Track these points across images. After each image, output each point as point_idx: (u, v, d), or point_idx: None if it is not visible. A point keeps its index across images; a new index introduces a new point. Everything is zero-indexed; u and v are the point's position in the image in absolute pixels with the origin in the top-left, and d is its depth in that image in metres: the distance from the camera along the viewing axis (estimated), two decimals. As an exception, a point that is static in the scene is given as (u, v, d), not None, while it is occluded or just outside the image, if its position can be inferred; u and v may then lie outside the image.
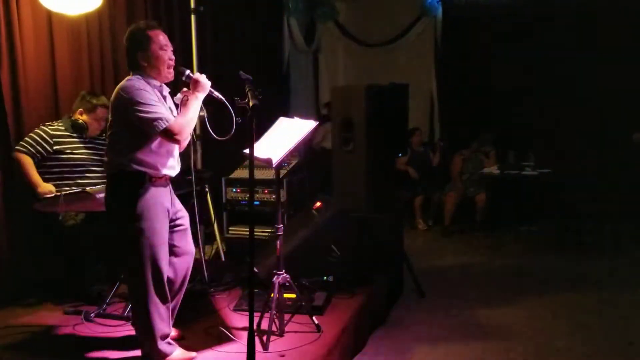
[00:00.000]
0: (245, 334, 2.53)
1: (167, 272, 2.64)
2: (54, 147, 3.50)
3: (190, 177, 3.80)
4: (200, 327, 3.10)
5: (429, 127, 7.51)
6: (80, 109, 3.58)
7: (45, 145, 3.49)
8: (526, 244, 5.90)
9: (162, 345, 2.61)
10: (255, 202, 4.57)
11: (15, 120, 3.56)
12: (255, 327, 2.58)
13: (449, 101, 7.34)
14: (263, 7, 6.55)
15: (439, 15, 7.32)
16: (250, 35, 6.23)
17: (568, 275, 4.85)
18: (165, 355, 2.62)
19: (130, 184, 2.53)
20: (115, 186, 2.58)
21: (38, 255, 3.59)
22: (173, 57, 2.63)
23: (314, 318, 3.04)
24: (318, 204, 3.90)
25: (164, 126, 2.45)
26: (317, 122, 3.08)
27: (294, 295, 3.13)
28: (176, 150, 2.70)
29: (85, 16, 3.85)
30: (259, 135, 3.11)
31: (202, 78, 2.62)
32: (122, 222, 2.56)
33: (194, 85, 2.60)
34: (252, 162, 2.52)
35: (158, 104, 2.50)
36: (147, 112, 2.44)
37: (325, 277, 3.60)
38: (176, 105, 2.68)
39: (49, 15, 3.73)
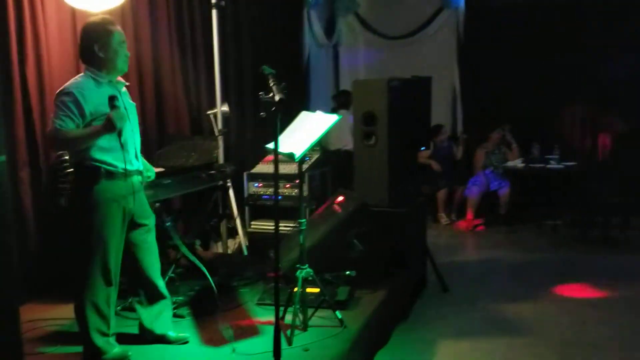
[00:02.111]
0: (269, 328, 2.53)
1: (116, 269, 2.65)
2: None
3: (212, 172, 3.83)
4: (224, 321, 3.11)
5: (452, 121, 7.42)
6: None
7: None
8: (551, 238, 5.81)
9: (99, 341, 2.63)
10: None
11: (41, 116, 3.61)
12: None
13: (472, 94, 7.25)
14: (283, 1, 6.53)
15: (461, 7, 7.22)
16: (270, 30, 6.22)
17: (594, 270, 4.77)
18: (100, 352, 2.63)
19: (86, 178, 2.59)
20: (74, 179, 2.69)
21: (65, 251, 3.64)
22: (128, 54, 2.71)
23: (337, 312, 3.03)
24: (340, 198, 3.89)
25: (49, 129, 2.53)
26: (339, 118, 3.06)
27: (317, 290, 3.12)
28: (131, 145, 2.68)
29: (109, 12, 3.87)
30: (280, 129, 3.10)
31: (116, 121, 2.44)
32: (76, 215, 2.64)
33: (107, 119, 2.46)
34: (277, 157, 2.51)
35: (70, 114, 2.47)
36: (55, 112, 2.51)
37: (347, 272, 3.59)
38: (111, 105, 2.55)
39: (73, 12, 3.77)
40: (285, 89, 2.51)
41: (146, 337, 2.87)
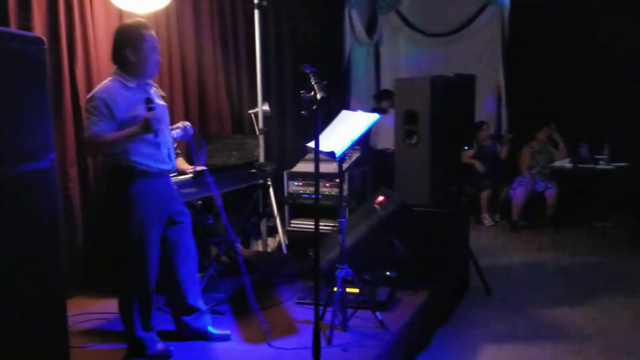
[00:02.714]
0: (307, 327, 2.52)
1: (154, 266, 2.68)
2: None
3: (253, 170, 3.87)
4: (263, 318, 3.12)
5: (497, 120, 7.25)
6: None
7: None
8: (600, 241, 5.60)
9: (142, 336, 2.68)
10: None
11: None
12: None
13: (517, 92, 7.06)
14: (324, 0, 6.53)
15: (506, 3, 7.04)
16: (312, 29, 6.23)
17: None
18: (143, 347, 2.68)
19: (121, 178, 2.61)
20: (109, 180, 2.69)
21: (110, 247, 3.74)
22: (159, 59, 2.70)
23: (377, 313, 3.00)
24: (380, 197, 3.85)
25: (86, 135, 2.57)
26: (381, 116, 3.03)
27: (356, 290, 3.10)
28: (164, 145, 2.68)
29: (154, 14, 3.96)
30: (321, 128, 3.09)
31: (153, 122, 2.50)
32: (113, 216, 2.67)
33: (144, 120, 2.51)
34: (318, 156, 2.50)
35: (104, 117, 2.52)
36: (88, 118, 2.56)
37: (387, 273, 3.55)
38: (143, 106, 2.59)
39: (120, 15, 3.86)
40: (326, 87, 2.49)
41: (186, 333, 2.89)
